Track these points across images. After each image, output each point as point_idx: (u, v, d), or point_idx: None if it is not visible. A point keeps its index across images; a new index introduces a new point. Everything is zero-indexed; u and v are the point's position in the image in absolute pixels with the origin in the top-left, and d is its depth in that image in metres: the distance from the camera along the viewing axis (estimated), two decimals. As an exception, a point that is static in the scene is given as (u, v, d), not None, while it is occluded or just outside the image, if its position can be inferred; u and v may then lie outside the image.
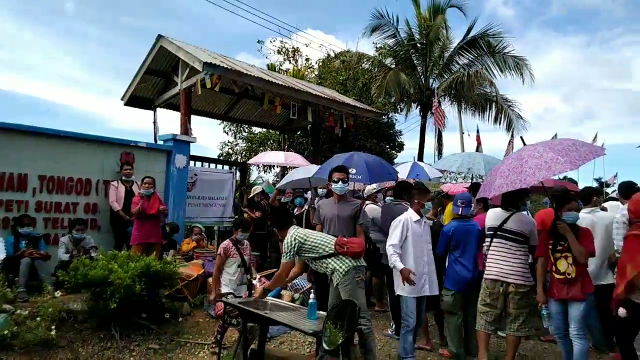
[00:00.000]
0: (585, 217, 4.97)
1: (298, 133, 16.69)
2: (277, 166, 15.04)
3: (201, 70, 8.17)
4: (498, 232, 4.38)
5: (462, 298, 4.73)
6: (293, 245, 3.98)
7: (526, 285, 4.28)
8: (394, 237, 4.42)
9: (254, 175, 18.39)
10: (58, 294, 5.44)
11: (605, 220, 4.99)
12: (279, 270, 4.19)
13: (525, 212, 5.02)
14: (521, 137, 4.60)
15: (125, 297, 4.94)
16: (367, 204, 6.83)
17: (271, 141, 17.56)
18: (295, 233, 4.06)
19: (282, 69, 19.12)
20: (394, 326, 5.40)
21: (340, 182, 4.70)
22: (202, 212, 8.84)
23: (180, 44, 9.34)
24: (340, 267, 3.99)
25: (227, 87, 10.06)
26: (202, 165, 9.38)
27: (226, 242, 5.58)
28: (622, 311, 3.65)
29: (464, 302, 4.75)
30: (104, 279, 4.97)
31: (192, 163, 9.04)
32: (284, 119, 13.20)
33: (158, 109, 11.32)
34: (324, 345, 3.14)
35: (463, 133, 18.36)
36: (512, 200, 4.44)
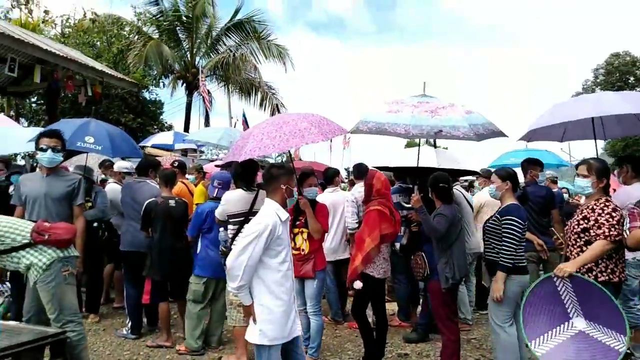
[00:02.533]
0: (329, 195, 5.24)
1: (33, 99, 13.69)
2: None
3: None
4: (249, 217, 4.03)
5: (214, 285, 4.36)
6: None
7: None
8: (240, 263, 2.65)
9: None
10: None
11: (343, 198, 5.35)
12: None
13: None
14: (277, 105, 4.45)
15: None
16: (109, 183, 5.82)
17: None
18: None
19: (8, 18, 15.32)
20: (129, 324, 4.67)
21: (49, 151, 3.62)
22: None
23: None
24: (40, 260, 3.08)
25: None
26: None
27: None
28: (358, 284, 3.86)
29: (215, 289, 4.38)
30: None
31: None
32: (7, 78, 10.46)
33: None
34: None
35: (232, 117, 18.34)
36: (248, 179, 4.21)
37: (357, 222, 5.10)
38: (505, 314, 3.59)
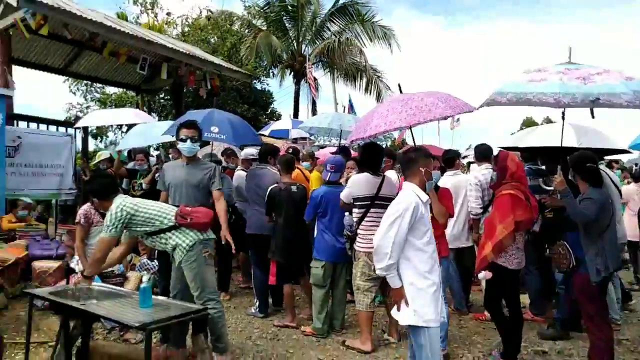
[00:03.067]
0: (449, 179, 4.97)
1: (161, 95, 15.09)
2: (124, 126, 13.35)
3: (16, 5, 6.51)
4: (376, 202, 3.97)
5: (332, 269, 4.39)
6: (119, 218, 3.19)
7: None
8: (387, 240, 2.65)
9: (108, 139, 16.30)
10: None
11: (468, 182, 5.03)
12: (95, 251, 3.36)
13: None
14: (399, 85, 4.27)
15: None
16: (237, 170, 6.15)
17: (130, 104, 15.63)
18: (122, 203, 3.25)
19: (138, 22, 17.00)
20: (257, 303, 4.91)
21: (189, 141, 3.91)
22: (30, 182, 7.23)
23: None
24: (184, 241, 3.32)
25: (60, 33, 8.33)
26: (28, 126, 7.69)
27: (86, 207, 4.63)
28: (484, 274, 3.60)
29: (333, 273, 4.42)
30: None
31: (16, 124, 7.37)
32: (141, 77, 11.63)
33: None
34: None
35: (337, 103, 18.47)
36: (374, 163, 4.12)
37: (481, 207, 4.80)
38: None
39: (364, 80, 18.06)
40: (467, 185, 4.95)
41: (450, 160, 5.36)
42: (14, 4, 6.53)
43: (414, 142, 3.90)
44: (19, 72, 8.54)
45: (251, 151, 6.28)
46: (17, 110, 7.65)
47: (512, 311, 3.73)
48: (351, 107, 15.18)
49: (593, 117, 3.55)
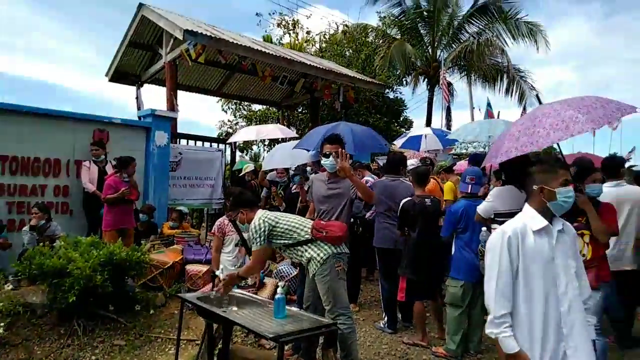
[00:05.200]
0: (610, 191, 4.26)
1: (299, 110, 15.98)
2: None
3: (182, 39, 7.51)
4: None
5: (472, 289, 4.10)
6: (263, 229, 3.40)
7: None
8: (491, 290, 2.18)
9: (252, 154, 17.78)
10: (8, 287, 4.94)
11: (635, 195, 4.26)
12: (251, 261, 3.61)
13: None
14: (537, 95, 3.86)
15: (86, 289, 4.44)
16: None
17: (272, 119, 16.89)
18: (263, 216, 3.47)
19: (281, 43, 18.29)
20: (386, 318, 4.81)
21: (331, 157, 3.94)
22: (188, 193, 8.25)
23: (162, 12, 8.65)
24: (318, 254, 3.39)
25: (214, 59, 9.38)
26: (187, 144, 8.77)
27: (221, 219, 5.04)
28: None
29: (472, 293, 4.12)
30: (61, 269, 4.47)
31: (178, 142, 8.47)
32: (282, 94, 12.51)
33: (146, 85, 10.73)
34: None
35: (474, 108, 17.50)
36: (515, 176, 3.73)
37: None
38: None
39: (505, 81, 16.76)
40: (634, 198, 4.19)
41: (612, 167, 4.60)
42: (180, 37, 7.53)
43: (560, 151, 3.44)
44: (180, 94, 9.78)
45: (412, 162, 6.18)
46: (178, 125, 8.67)
47: None
48: (490, 110, 14.21)
49: None
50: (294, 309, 3.48)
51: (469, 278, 4.05)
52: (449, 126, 17.48)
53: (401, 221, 4.52)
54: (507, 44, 16.27)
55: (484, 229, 3.89)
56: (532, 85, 16.63)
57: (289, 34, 18.88)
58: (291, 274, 5.47)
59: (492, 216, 3.78)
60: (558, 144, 3.44)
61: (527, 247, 2.14)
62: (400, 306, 4.86)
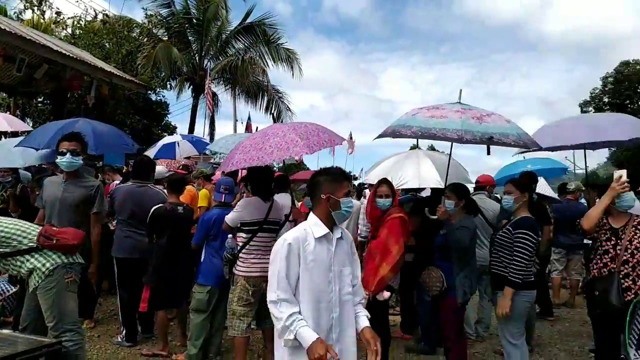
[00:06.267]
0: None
1: (41, 99, 13.73)
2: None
3: None
4: (264, 226, 3.92)
5: (217, 294, 4.25)
6: None
7: None
8: (273, 296, 2.17)
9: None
10: None
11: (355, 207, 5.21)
12: None
13: None
14: (273, 115, 4.37)
15: None
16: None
17: (2, 107, 13.97)
18: None
19: (21, 18, 15.39)
20: (124, 332, 4.58)
21: (69, 155, 3.61)
22: None
23: None
24: (43, 265, 3.01)
25: None
26: None
27: None
28: (385, 294, 3.68)
29: (218, 298, 4.28)
30: None
31: None
32: (17, 78, 10.47)
33: None
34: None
35: (237, 120, 18.32)
36: (264, 187, 4.12)
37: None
38: (518, 331, 3.52)
39: (265, 99, 18.22)
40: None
41: None
42: None
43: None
44: None
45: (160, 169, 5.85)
46: None
47: (382, 330, 3.91)
48: (250, 124, 15.20)
49: (489, 153, 4.04)
50: (6, 331, 3.00)
51: (216, 284, 4.21)
52: (212, 135, 17.86)
53: (150, 228, 4.40)
54: (268, 65, 17.77)
55: (230, 236, 4.12)
56: (288, 106, 18.56)
57: (33, 10, 16.05)
58: (8, 291, 4.66)
59: (239, 225, 4.04)
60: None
61: (307, 253, 2.21)
62: (140, 317, 4.70)
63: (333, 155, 16.27)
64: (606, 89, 27.96)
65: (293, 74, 17.62)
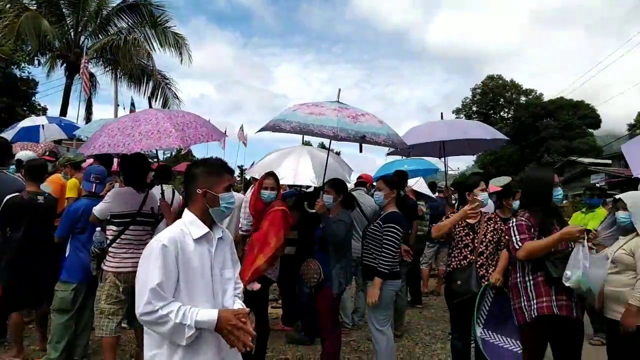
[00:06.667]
0: None
1: None
2: None
3: None
4: (137, 219, 3.72)
5: (84, 291, 3.90)
6: None
7: None
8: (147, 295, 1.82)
9: None
10: None
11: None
12: None
13: None
14: (149, 100, 4.12)
15: None
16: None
17: None
18: None
19: None
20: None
21: None
22: None
23: None
24: None
25: None
26: None
27: None
28: (255, 285, 3.67)
29: (84, 296, 3.93)
30: None
31: None
32: None
33: None
34: None
35: (118, 105, 16.92)
36: (138, 176, 3.88)
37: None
38: (384, 318, 3.79)
39: (151, 84, 17.13)
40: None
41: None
42: None
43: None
44: None
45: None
46: None
47: (261, 321, 3.96)
48: (133, 110, 14.17)
49: (361, 151, 4.25)
50: None
51: (84, 280, 3.89)
52: (88, 119, 16.34)
53: (3, 220, 3.91)
54: (154, 48, 16.69)
55: (98, 229, 3.83)
56: (175, 94, 17.64)
57: None
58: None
59: (109, 217, 3.77)
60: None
61: (187, 256, 1.94)
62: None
63: (224, 148, 15.83)
64: (475, 99, 31.53)
65: (182, 60, 16.80)
